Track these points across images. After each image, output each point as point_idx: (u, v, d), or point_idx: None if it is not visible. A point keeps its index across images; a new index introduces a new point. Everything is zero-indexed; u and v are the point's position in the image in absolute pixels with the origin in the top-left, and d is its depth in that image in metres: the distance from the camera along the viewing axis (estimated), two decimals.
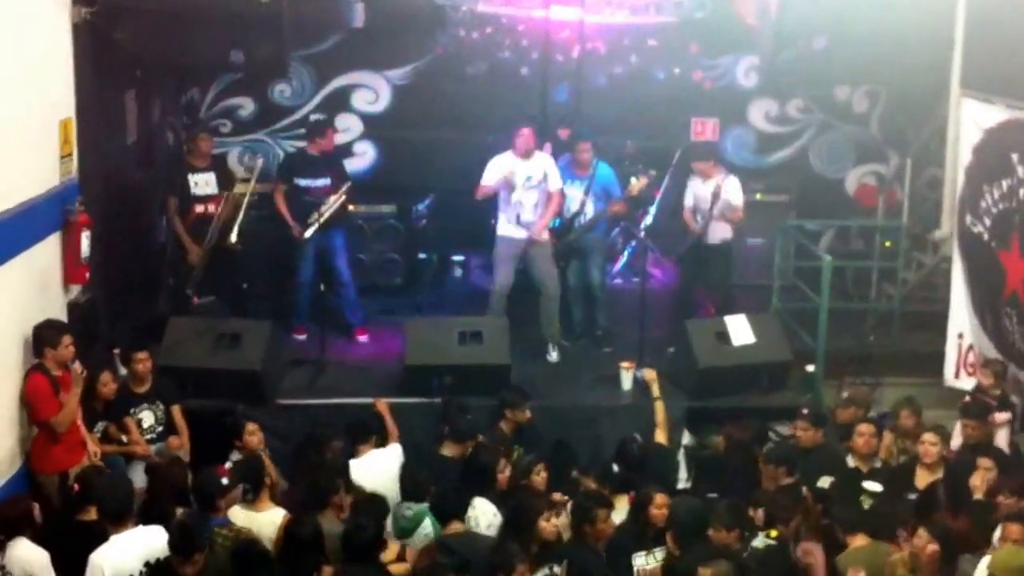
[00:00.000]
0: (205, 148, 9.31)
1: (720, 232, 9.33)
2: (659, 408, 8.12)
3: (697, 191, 9.38)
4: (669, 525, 6.27)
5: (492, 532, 6.42)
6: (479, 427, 7.54)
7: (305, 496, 6.62)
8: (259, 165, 9.68)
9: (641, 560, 6.27)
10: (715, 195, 9.16)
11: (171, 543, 5.65)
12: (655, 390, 8.29)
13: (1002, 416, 7.76)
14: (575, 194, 9.35)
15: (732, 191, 9.26)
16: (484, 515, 6.56)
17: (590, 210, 9.38)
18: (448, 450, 7.37)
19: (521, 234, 9.02)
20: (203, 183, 9.16)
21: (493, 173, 8.98)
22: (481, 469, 6.89)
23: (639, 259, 9.78)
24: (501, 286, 9.13)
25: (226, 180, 9.42)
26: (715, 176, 9.28)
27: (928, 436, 7.35)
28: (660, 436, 7.91)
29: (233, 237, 8.96)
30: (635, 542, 6.34)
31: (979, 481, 6.89)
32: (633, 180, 9.50)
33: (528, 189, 8.95)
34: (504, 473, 6.94)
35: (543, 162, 9.08)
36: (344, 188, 9.23)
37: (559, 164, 9.33)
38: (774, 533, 6.28)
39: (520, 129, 8.92)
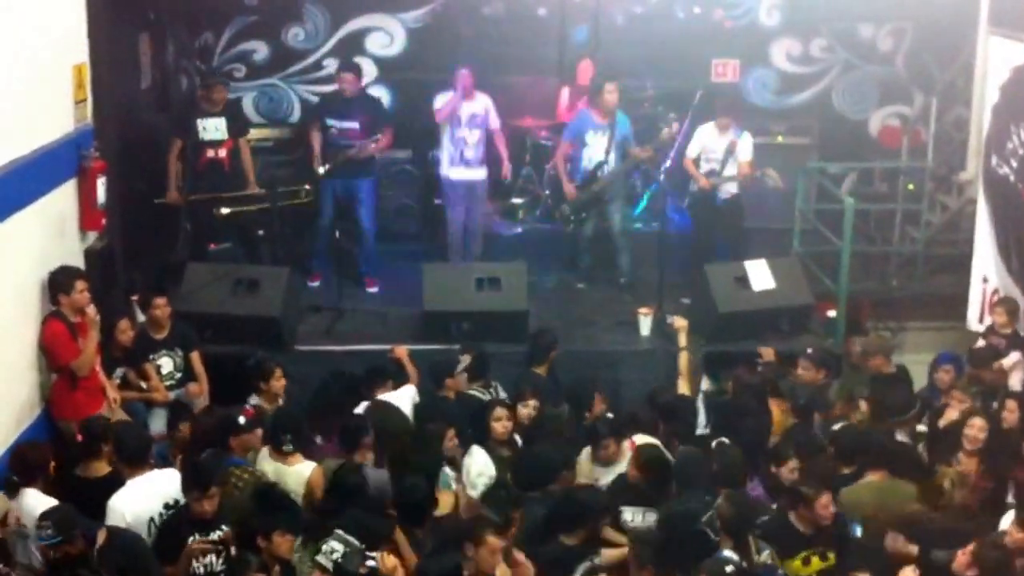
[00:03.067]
0: (220, 96, 9.16)
1: (728, 187, 9.24)
2: (683, 358, 8.00)
3: (707, 142, 9.26)
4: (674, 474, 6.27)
5: (482, 481, 6.36)
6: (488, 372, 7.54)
7: (338, 441, 6.57)
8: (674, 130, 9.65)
9: (628, 515, 6.25)
10: (729, 151, 9.07)
11: (184, 480, 5.67)
12: (683, 339, 8.17)
13: (1012, 358, 7.64)
14: (599, 143, 9.27)
15: (744, 148, 9.15)
16: (476, 464, 6.50)
17: (613, 159, 9.29)
18: (450, 391, 7.31)
19: (466, 174, 9.47)
20: (212, 128, 9.04)
21: (440, 104, 9.42)
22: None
23: (658, 203, 9.67)
24: (457, 226, 9.52)
25: (239, 125, 9.31)
26: (731, 131, 9.17)
27: (977, 421, 6.73)
28: (683, 386, 7.83)
29: (252, 187, 8.94)
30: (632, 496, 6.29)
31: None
32: (665, 129, 9.45)
33: (471, 127, 9.36)
34: (502, 423, 6.76)
35: (484, 102, 9.44)
36: (376, 137, 9.22)
37: (578, 118, 9.41)
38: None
39: (459, 69, 9.30)
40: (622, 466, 6.48)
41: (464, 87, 9.32)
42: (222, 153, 9.09)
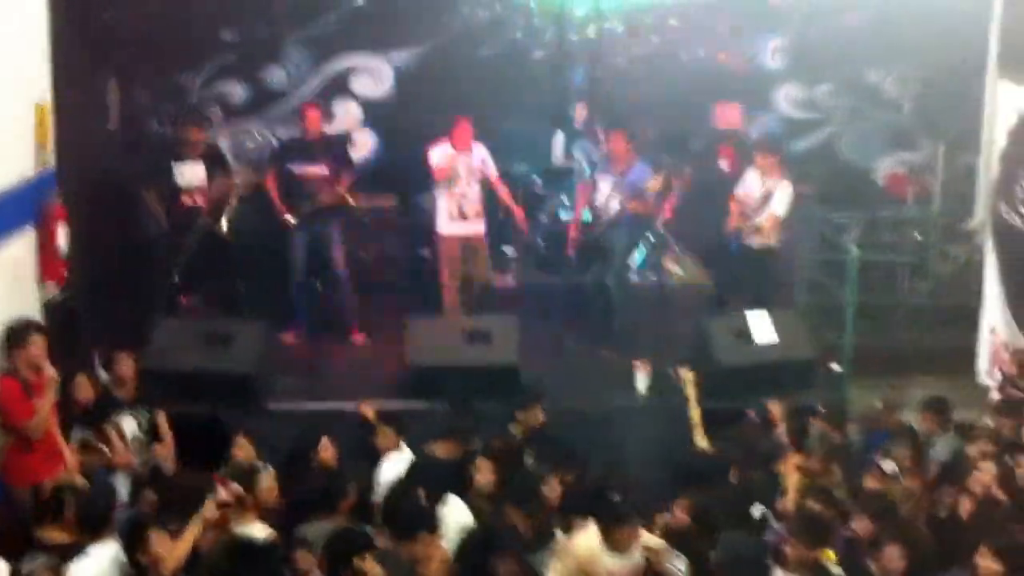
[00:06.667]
0: (195, 138, 8.87)
1: (762, 236, 8.96)
2: (695, 410, 7.77)
3: (749, 185, 9.01)
4: None
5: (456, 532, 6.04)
6: (476, 429, 7.17)
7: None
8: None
9: None
10: (766, 198, 8.81)
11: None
12: (691, 391, 7.95)
13: None
14: (605, 187, 9.00)
15: (781, 199, 8.90)
16: (452, 512, 6.16)
17: (615, 206, 8.98)
18: (438, 450, 6.96)
19: (464, 230, 9.02)
20: (190, 173, 8.73)
21: (438, 161, 8.94)
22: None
23: (657, 255, 9.36)
24: (451, 287, 9.11)
25: (217, 169, 8.99)
26: (773, 176, 8.91)
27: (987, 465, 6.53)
28: (700, 439, 7.59)
29: (223, 225, 8.66)
30: None
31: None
32: (650, 182, 9.10)
33: (471, 182, 9.00)
34: (485, 476, 6.53)
35: (480, 152, 9.05)
36: (346, 179, 8.92)
37: (601, 160, 9.23)
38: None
39: (459, 120, 8.89)
40: (638, 552, 5.96)
41: (463, 139, 8.95)
42: (199, 200, 8.77)
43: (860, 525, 6.09)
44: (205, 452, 7.05)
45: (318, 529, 5.97)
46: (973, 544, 5.65)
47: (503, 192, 9.24)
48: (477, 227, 9.16)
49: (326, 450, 6.99)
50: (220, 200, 8.83)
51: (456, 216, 9.04)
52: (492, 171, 9.13)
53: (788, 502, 6.61)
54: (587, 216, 9.12)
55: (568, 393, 8.36)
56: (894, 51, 10.51)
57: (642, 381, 8.39)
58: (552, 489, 6.43)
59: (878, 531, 5.99)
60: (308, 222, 8.87)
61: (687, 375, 8.08)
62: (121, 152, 9.30)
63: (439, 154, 8.96)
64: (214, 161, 9.04)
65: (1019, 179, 8.25)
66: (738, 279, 9.17)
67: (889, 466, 6.98)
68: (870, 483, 6.72)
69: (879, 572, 5.70)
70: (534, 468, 6.80)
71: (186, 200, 8.77)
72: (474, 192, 9.03)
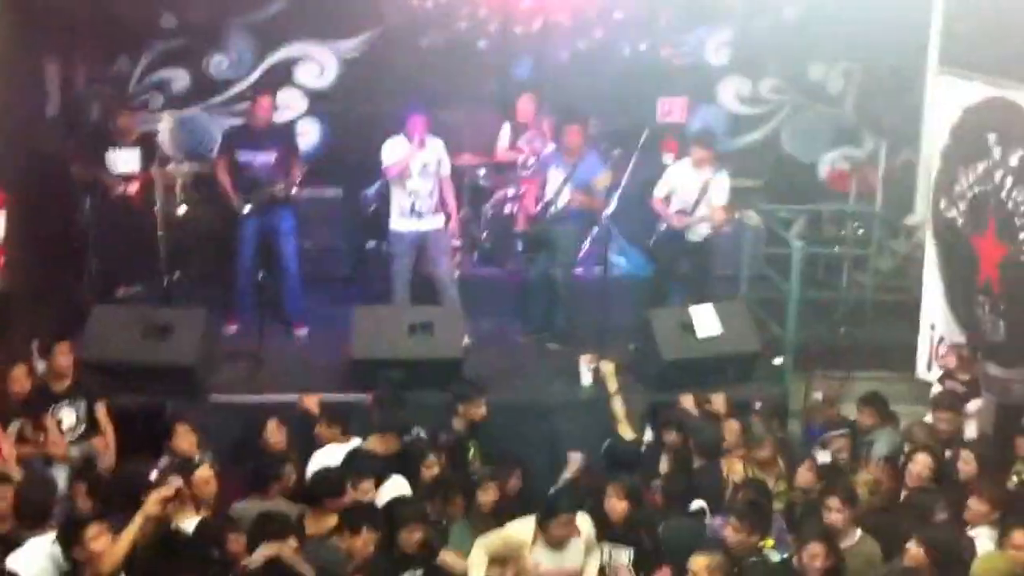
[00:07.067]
0: (127, 125, 8.74)
1: (700, 228, 8.96)
2: (617, 402, 7.73)
3: (678, 180, 8.95)
4: None
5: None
6: (410, 422, 7.23)
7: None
8: None
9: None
10: (704, 190, 8.77)
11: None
12: (613, 384, 7.92)
13: (973, 405, 7.40)
14: (555, 180, 8.89)
15: (719, 189, 8.85)
16: (391, 490, 6.30)
17: (564, 199, 8.89)
18: (375, 444, 6.94)
19: (417, 226, 8.81)
20: (123, 161, 8.58)
21: (392, 157, 8.72)
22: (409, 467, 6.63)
23: (601, 247, 9.32)
24: (402, 285, 8.90)
25: (152, 158, 8.85)
26: (707, 168, 8.86)
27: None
28: (624, 431, 7.54)
29: (181, 209, 8.56)
30: None
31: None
32: (598, 177, 9.02)
33: (424, 177, 8.75)
34: (432, 471, 6.65)
35: (435, 148, 8.84)
36: (296, 169, 8.80)
37: (551, 152, 9.12)
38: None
39: (414, 115, 8.66)
40: (575, 550, 6.01)
41: (419, 135, 8.66)
42: (132, 188, 8.62)
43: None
44: (145, 444, 7.01)
45: (250, 509, 6.04)
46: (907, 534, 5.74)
47: (449, 193, 8.99)
48: (433, 222, 8.91)
49: (273, 434, 6.98)
50: (155, 188, 8.67)
51: (408, 213, 8.81)
52: (445, 168, 8.92)
53: (731, 490, 6.67)
54: (534, 209, 9.01)
55: (512, 386, 8.34)
56: (837, 46, 10.46)
57: (587, 375, 8.35)
58: (487, 493, 6.49)
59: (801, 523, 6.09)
60: (258, 212, 8.73)
61: (607, 367, 8.05)
62: (59, 138, 9.06)
63: (393, 149, 8.74)
64: (149, 149, 8.89)
65: (960, 176, 8.13)
66: (678, 272, 9.14)
67: (824, 457, 7.04)
68: (803, 474, 6.76)
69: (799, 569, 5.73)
70: (476, 469, 6.86)
71: (118, 188, 8.62)
72: (427, 188, 8.78)
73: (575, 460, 7.27)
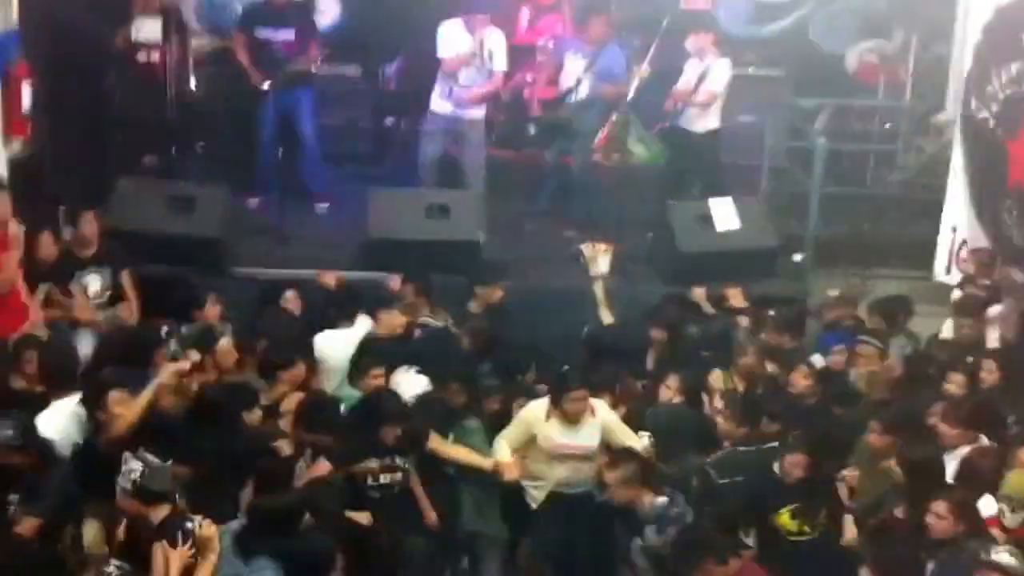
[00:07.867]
0: None
1: (706, 121, 8.78)
2: (598, 286, 7.63)
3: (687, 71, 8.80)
4: None
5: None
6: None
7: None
8: None
9: None
10: (700, 78, 8.60)
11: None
12: (603, 266, 7.88)
13: (994, 311, 7.31)
14: (573, 67, 8.79)
15: (717, 77, 8.65)
16: (405, 384, 6.36)
17: (585, 88, 8.79)
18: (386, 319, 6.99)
19: (450, 109, 8.68)
20: (147, 29, 8.56)
21: (450, 50, 8.56)
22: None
23: (621, 135, 9.25)
24: (425, 159, 8.82)
25: (175, 29, 8.83)
26: (708, 56, 8.68)
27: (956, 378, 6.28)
28: (605, 316, 7.47)
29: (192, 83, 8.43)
30: None
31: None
32: (636, 68, 8.90)
33: (479, 72, 8.62)
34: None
35: (493, 38, 8.65)
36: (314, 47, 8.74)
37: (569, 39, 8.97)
38: None
39: (477, 15, 8.51)
40: (592, 427, 6.05)
41: (479, 33, 8.48)
42: (155, 56, 8.62)
43: None
44: (169, 312, 7.05)
45: None
46: None
47: (491, 84, 8.79)
48: (474, 113, 8.80)
49: (290, 301, 7.11)
50: (180, 60, 8.70)
51: (448, 96, 8.68)
52: (500, 64, 8.71)
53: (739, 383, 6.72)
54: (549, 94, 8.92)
55: (529, 271, 8.32)
56: None
57: (604, 263, 8.22)
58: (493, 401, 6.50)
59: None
60: (278, 90, 8.67)
61: (598, 247, 8.00)
62: (84, 10, 9.03)
63: (450, 39, 8.58)
64: (171, 19, 8.86)
65: (991, 75, 8.02)
66: (690, 163, 9.04)
67: (820, 361, 7.00)
68: (798, 378, 6.63)
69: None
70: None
71: (141, 56, 8.62)
72: (470, 76, 8.63)
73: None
